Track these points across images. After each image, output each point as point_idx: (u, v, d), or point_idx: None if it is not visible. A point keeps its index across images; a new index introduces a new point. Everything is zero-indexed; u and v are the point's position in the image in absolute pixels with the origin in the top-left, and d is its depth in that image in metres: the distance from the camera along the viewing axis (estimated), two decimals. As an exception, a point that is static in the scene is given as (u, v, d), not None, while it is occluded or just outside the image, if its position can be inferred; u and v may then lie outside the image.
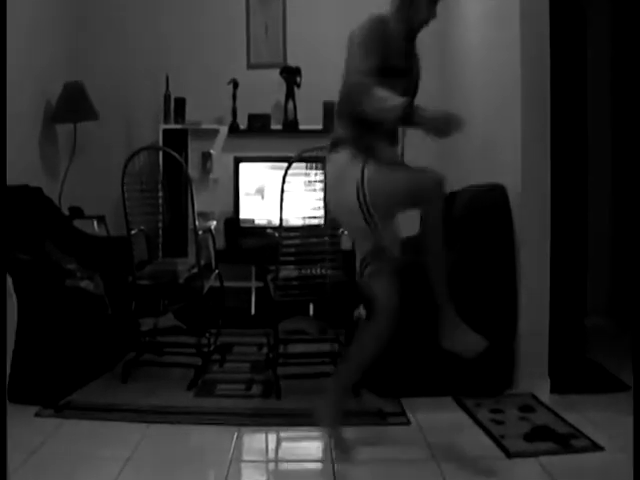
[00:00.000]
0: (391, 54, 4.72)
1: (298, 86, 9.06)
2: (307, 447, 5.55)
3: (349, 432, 5.29)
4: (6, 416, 2.67)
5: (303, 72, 9.01)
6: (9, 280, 4.34)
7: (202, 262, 7.04)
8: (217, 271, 7.35)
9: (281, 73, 9.12)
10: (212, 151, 9.40)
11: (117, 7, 9.59)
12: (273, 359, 6.54)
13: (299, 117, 9.15)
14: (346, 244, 6.64)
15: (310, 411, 5.37)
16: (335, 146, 4.86)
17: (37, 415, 5.70)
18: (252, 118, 9.27)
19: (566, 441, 5.09)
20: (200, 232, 7.29)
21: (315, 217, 6.60)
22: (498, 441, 5.13)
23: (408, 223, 7.52)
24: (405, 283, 5.28)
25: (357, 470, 4.81)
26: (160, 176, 8.11)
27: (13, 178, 7.00)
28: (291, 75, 9.07)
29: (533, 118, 6.26)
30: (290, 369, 6.55)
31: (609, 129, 8.77)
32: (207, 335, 7.10)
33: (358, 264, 5.00)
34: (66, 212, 8.46)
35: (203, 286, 6.82)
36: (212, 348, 7.12)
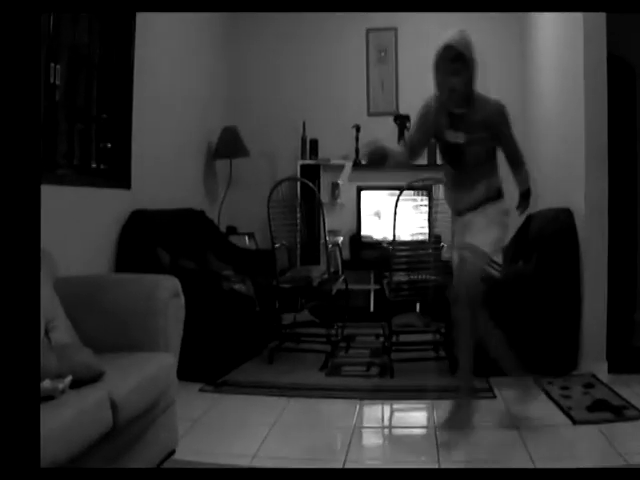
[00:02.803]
0: (434, 128, 4.87)
1: (408, 129, 9.05)
2: (415, 416, 5.60)
3: (447, 405, 5.35)
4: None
5: (412, 118, 9.02)
6: (177, 282, 4.43)
7: (331, 269, 7.10)
8: (343, 276, 7.40)
9: (394, 120, 9.14)
10: (339, 181, 9.44)
11: (265, 66, 9.73)
12: (388, 346, 6.57)
13: (409, 154, 9.17)
14: (446, 254, 6.64)
15: (417, 387, 5.45)
16: None
17: (201, 390, 5.85)
18: (371, 155, 9.30)
19: (620, 411, 5.06)
20: (330, 245, 7.37)
21: (421, 234, 6.64)
22: (566, 411, 5.11)
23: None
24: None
25: (453, 434, 4.85)
26: (298, 201, 8.20)
27: (183, 203, 7.22)
28: (402, 121, 9.08)
29: (595, 154, 6.19)
30: (401, 354, 6.55)
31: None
32: (335, 327, 7.14)
33: None
34: (224, 230, 8.63)
35: (332, 288, 6.85)
36: (339, 337, 7.16)
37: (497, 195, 4.90)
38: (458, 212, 4.98)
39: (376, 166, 5.26)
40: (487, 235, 4.78)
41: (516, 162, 4.96)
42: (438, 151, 5.07)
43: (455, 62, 4.61)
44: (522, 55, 9.21)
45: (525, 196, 5.16)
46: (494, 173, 4.89)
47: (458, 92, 4.66)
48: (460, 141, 4.72)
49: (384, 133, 9.07)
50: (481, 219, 4.82)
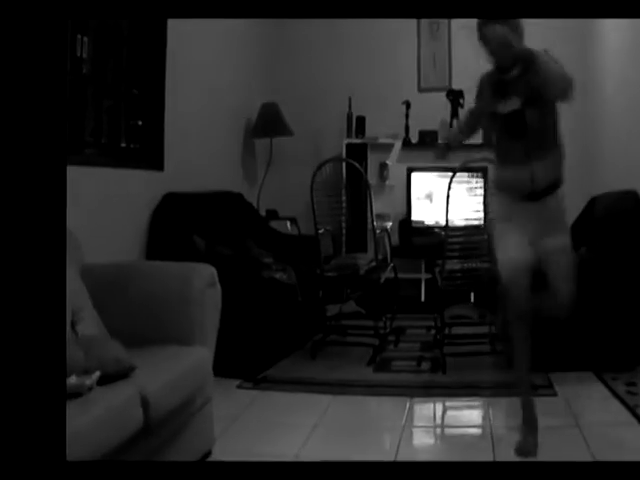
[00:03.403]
0: (487, 101, 4.69)
1: (462, 106, 9.01)
2: (469, 415, 5.60)
3: (503, 403, 5.33)
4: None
5: (465, 94, 8.99)
6: (214, 270, 4.42)
7: (379, 257, 7.10)
8: (392, 264, 7.38)
9: (447, 95, 9.09)
10: (388, 162, 9.42)
11: (308, 40, 9.71)
12: (440, 340, 6.55)
13: (463, 132, 9.14)
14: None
15: (471, 383, 5.46)
16: None
17: (238, 387, 5.86)
18: (422, 134, 9.26)
19: (691, 410, 5.02)
20: (378, 231, 7.37)
21: (476, 218, 6.61)
22: (632, 410, 5.05)
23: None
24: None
25: (511, 434, 4.83)
26: (343, 183, 8.21)
27: (219, 185, 7.22)
28: (455, 97, 9.04)
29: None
30: (454, 348, 6.53)
31: None
32: (384, 319, 7.13)
33: None
34: (263, 214, 8.63)
35: (380, 277, 6.84)
36: (388, 330, 7.15)
37: (561, 180, 4.68)
38: (528, 195, 4.59)
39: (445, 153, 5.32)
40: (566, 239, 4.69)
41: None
42: (492, 127, 4.83)
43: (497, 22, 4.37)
44: (583, 29, 9.11)
45: None
46: (558, 146, 4.67)
47: (506, 45, 4.39)
48: (516, 107, 4.49)
49: (435, 110, 9.05)
50: (560, 219, 4.68)
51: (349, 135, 9.36)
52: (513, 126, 4.54)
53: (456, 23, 9.42)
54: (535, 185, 4.50)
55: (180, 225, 6.17)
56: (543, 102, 4.47)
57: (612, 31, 7.83)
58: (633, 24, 6.77)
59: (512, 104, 4.49)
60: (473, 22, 4.56)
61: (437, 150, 5.49)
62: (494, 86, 4.62)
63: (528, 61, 4.41)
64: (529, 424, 4.58)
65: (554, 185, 4.56)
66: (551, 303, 4.62)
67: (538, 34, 9.52)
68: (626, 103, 7.20)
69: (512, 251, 4.55)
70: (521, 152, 4.54)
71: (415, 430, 5.13)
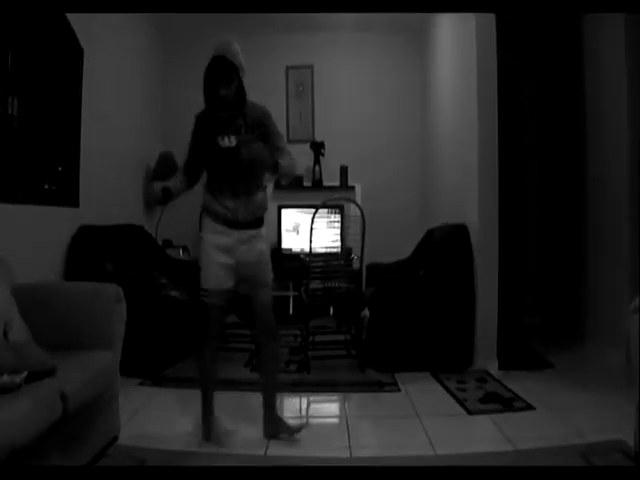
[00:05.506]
0: (204, 137, 4.53)
1: (323, 155, 9.15)
2: (328, 407, 5.67)
3: (356, 397, 5.46)
4: None
5: (326, 145, 9.14)
6: (120, 289, 4.43)
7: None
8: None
9: (311, 146, 9.20)
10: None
11: (195, 99, 9.74)
12: (305, 345, 6.60)
13: (323, 177, 9.25)
14: (356, 265, 6.74)
15: (331, 382, 5.54)
16: None
17: (140, 384, 5.85)
18: (290, 177, 9.35)
19: (509, 403, 5.22)
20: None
21: (334, 247, 6.71)
22: (462, 403, 5.26)
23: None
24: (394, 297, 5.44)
25: (363, 423, 4.95)
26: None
27: (124, 219, 7.20)
28: (318, 147, 9.15)
29: (486, 177, 6.35)
30: (317, 352, 6.66)
31: (537, 184, 8.84)
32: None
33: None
34: (161, 243, 8.61)
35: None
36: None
37: (261, 219, 4.62)
38: (236, 223, 4.45)
39: (163, 203, 4.99)
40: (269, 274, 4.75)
41: (282, 153, 4.59)
42: (207, 161, 4.54)
43: (227, 73, 4.31)
44: (422, 89, 9.37)
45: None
46: (262, 190, 4.59)
47: (229, 100, 4.33)
48: (232, 144, 4.31)
49: (302, 158, 9.16)
50: (263, 255, 4.67)
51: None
52: (227, 163, 4.36)
53: (317, 85, 9.60)
54: (239, 217, 4.43)
55: (92, 251, 6.10)
56: (254, 142, 4.37)
57: (444, 86, 8.08)
58: (462, 82, 7.05)
59: (230, 141, 4.32)
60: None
61: (153, 195, 5.11)
62: (214, 122, 4.41)
63: (249, 109, 4.44)
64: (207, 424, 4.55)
65: (255, 222, 4.52)
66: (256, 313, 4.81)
67: (386, 91, 9.80)
68: (456, 151, 7.38)
69: (212, 275, 4.47)
70: (231, 185, 4.42)
71: (285, 420, 5.18)
